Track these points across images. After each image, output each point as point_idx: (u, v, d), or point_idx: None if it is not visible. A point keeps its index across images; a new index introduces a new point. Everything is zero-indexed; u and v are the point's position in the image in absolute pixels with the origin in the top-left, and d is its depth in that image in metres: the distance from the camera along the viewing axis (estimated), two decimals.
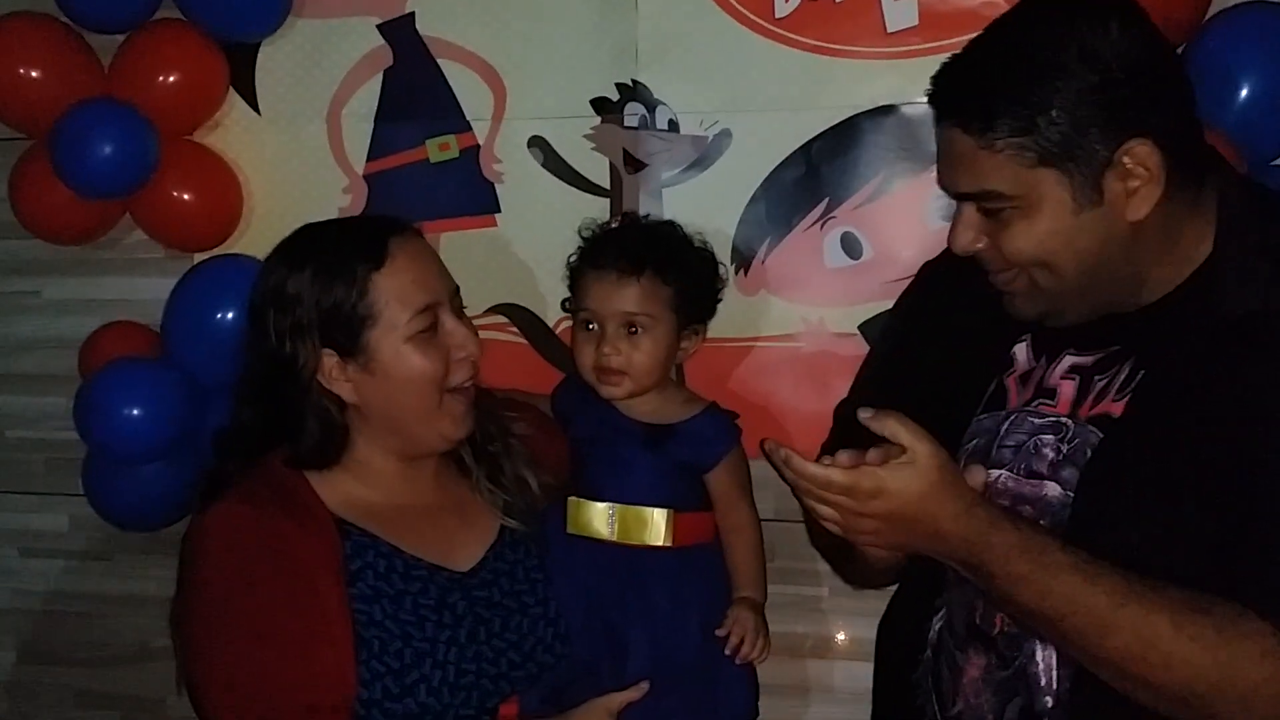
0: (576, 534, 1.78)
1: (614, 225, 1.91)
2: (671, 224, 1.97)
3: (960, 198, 1.41)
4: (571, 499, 1.79)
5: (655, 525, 1.77)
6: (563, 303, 1.97)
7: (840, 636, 2.24)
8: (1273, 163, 1.91)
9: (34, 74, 2.27)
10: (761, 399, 2.18)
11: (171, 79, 2.29)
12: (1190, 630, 1.26)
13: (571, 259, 1.90)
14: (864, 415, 1.30)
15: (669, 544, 1.77)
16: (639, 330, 1.80)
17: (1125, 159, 1.31)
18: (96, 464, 2.36)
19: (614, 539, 1.77)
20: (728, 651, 1.74)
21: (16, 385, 2.57)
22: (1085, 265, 1.36)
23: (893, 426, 1.30)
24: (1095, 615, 1.28)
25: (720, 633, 1.75)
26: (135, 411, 2.20)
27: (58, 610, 2.60)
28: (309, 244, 1.66)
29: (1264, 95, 1.84)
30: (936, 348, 1.57)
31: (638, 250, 1.81)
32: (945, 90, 1.38)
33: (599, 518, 1.78)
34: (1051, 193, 1.33)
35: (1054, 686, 1.39)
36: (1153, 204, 1.32)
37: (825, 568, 2.09)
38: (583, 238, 1.90)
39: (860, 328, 2.14)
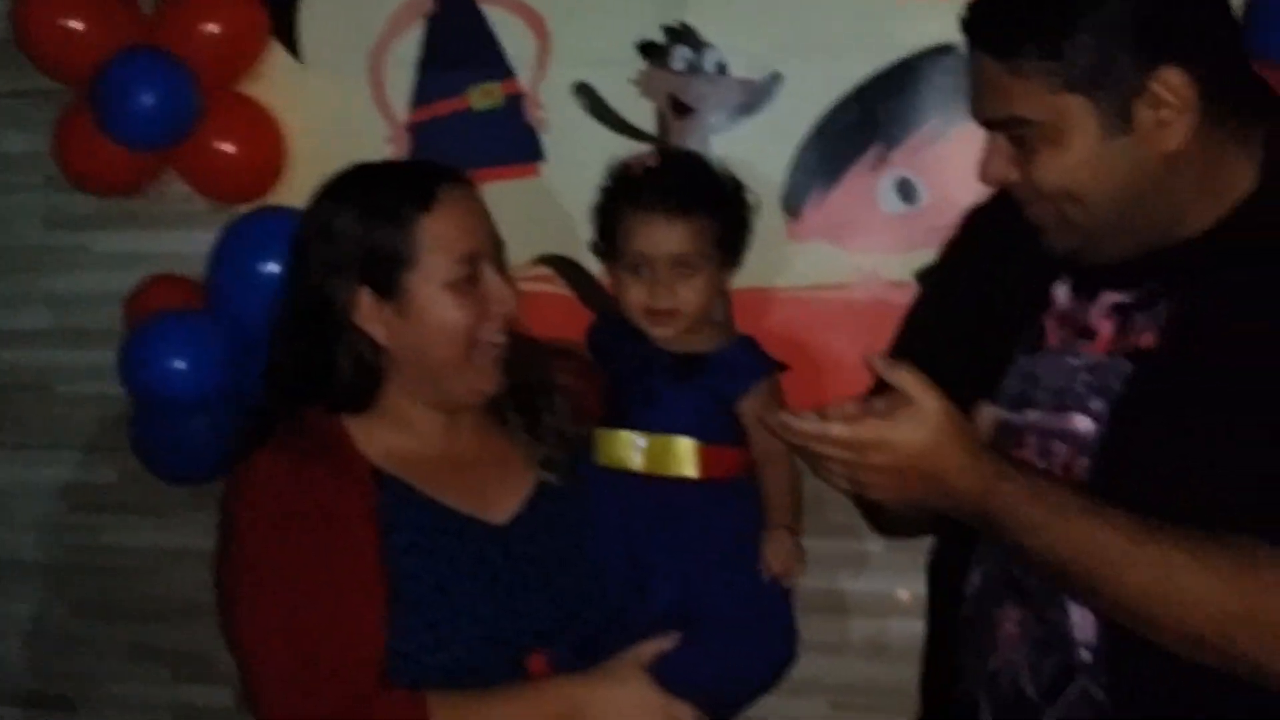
0: (607, 466, 1.75)
1: (648, 163, 1.85)
2: (699, 156, 1.93)
3: (989, 125, 1.37)
4: (600, 430, 1.76)
5: (684, 455, 1.72)
6: (592, 246, 1.90)
7: (903, 594, 2.18)
8: None
9: (75, 24, 2.25)
10: (814, 349, 2.13)
11: (212, 28, 2.27)
12: (1210, 563, 1.23)
13: (600, 201, 1.85)
14: (873, 361, 1.28)
15: (698, 475, 1.73)
16: (690, 269, 1.76)
17: (1156, 86, 1.26)
18: (143, 417, 2.36)
19: (643, 469, 1.73)
20: (760, 569, 1.70)
21: (66, 340, 2.57)
22: (1115, 197, 1.31)
23: (901, 376, 1.27)
24: (1112, 556, 1.25)
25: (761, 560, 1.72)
26: (179, 363, 2.19)
27: (108, 565, 2.61)
28: (358, 182, 1.65)
29: None
30: (978, 290, 1.53)
31: (682, 188, 1.77)
32: (975, 16, 1.35)
33: (627, 447, 1.74)
34: (1079, 120, 1.29)
35: (1091, 641, 1.35)
36: (1185, 134, 1.27)
37: None
38: (615, 178, 1.85)
39: (916, 275, 2.08)
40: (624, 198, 1.80)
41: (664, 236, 1.75)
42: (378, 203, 1.59)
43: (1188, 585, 1.24)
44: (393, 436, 1.64)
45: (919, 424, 1.26)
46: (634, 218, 1.77)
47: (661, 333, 1.78)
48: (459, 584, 1.57)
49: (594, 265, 2.18)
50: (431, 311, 1.59)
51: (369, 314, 1.60)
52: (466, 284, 1.59)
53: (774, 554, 1.71)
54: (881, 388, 1.33)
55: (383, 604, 1.53)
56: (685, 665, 1.63)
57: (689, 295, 1.76)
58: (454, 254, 1.58)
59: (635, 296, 1.78)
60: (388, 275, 1.58)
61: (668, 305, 1.76)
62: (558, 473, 1.71)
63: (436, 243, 1.58)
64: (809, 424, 1.29)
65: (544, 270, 2.26)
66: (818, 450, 1.31)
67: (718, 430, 1.76)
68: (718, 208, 1.79)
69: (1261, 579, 1.22)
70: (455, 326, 1.59)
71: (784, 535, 1.73)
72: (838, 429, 1.28)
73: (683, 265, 1.76)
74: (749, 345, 1.83)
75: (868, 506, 1.61)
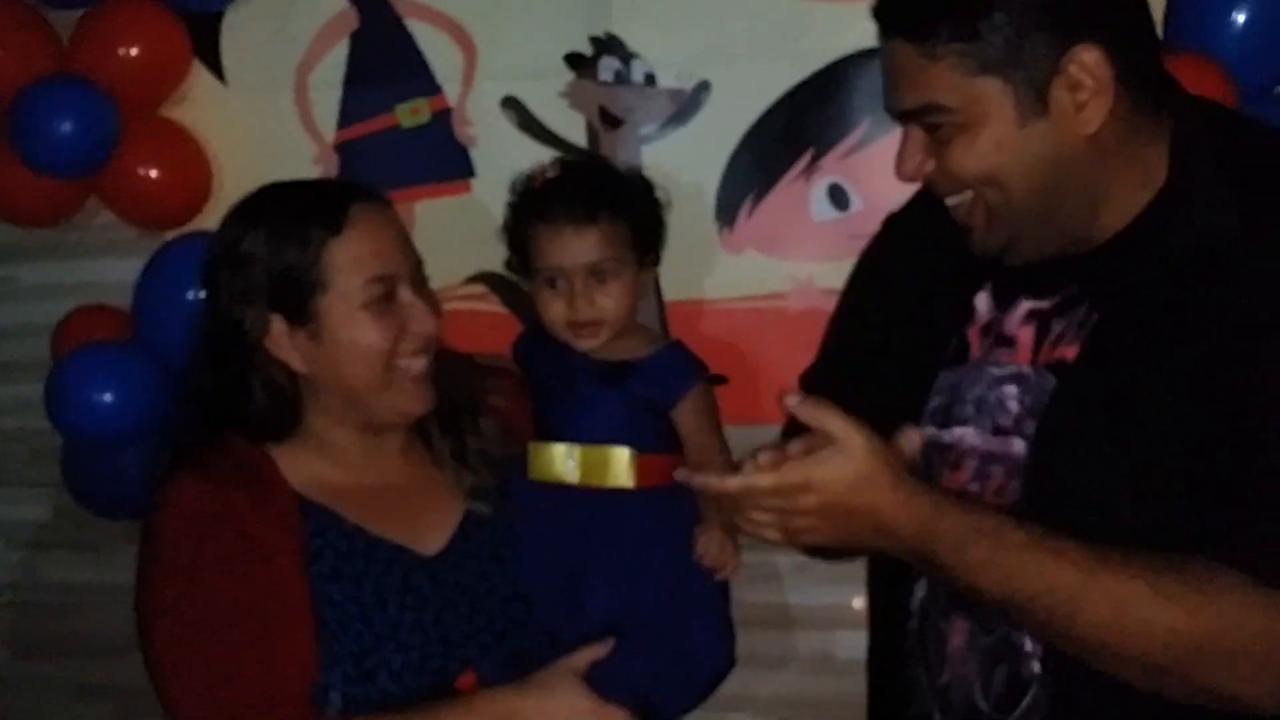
0: (539, 480, 1.71)
1: (548, 174, 1.82)
2: (602, 160, 1.91)
3: (904, 116, 1.33)
4: (531, 443, 1.72)
5: (618, 465, 1.67)
6: (507, 263, 1.87)
7: (856, 603, 2.14)
8: (1276, 89, 1.82)
9: None
10: (751, 361, 2.11)
11: (132, 52, 2.23)
12: (1167, 591, 1.18)
13: (507, 217, 1.81)
14: (791, 403, 1.22)
15: (633, 485, 1.68)
16: (606, 276, 1.73)
17: (1072, 67, 1.24)
18: (73, 452, 2.31)
19: (576, 481, 1.69)
20: (694, 564, 1.67)
21: None
22: (1036, 182, 1.28)
23: (820, 416, 1.21)
24: (1066, 590, 1.20)
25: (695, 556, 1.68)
26: (105, 396, 2.15)
27: (46, 602, 2.56)
28: (267, 203, 1.60)
29: (1259, 20, 1.75)
30: (898, 304, 1.49)
31: (585, 195, 1.73)
32: (888, 2, 1.32)
33: (559, 460, 1.69)
34: (995, 104, 1.26)
35: (1040, 652, 1.32)
36: (1103, 116, 1.26)
37: None
38: (519, 193, 1.81)
39: None
40: (530, 211, 1.77)
41: (575, 247, 1.72)
42: (285, 225, 1.55)
43: (1146, 617, 1.19)
44: (317, 463, 1.60)
45: (845, 458, 1.20)
46: (543, 231, 1.74)
47: (587, 344, 1.75)
48: (385, 614, 1.54)
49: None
50: (346, 334, 1.55)
51: (282, 341, 1.56)
52: (381, 305, 1.56)
53: (705, 546, 1.68)
54: (797, 426, 1.27)
55: (311, 634, 1.49)
56: (619, 671, 1.59)
57: (608, 303, 1.73)
58: (366, 275, 1.55)
59: (555, 311, 1.75)
60: (298, 301, 1.54)
61: (589, 317, 1.73)
62: (486, 502, 1.67)
63: (347, 265, 1.54)
64: (732, 482, 1.23)
65: (478, 288, 2.23)
66: (745, 506, 1.26)
67: (651, 437, 1.73)
68: (625, 210, 1.75)
69: (1223, 605, 1.18)
70: (371, 348, 1.55)
71: (717, 529, 1.69)
72: (763, 479, 1.22)
73: (598, 273, 1.73)
74: (678, 349, 1.80)
75: None
